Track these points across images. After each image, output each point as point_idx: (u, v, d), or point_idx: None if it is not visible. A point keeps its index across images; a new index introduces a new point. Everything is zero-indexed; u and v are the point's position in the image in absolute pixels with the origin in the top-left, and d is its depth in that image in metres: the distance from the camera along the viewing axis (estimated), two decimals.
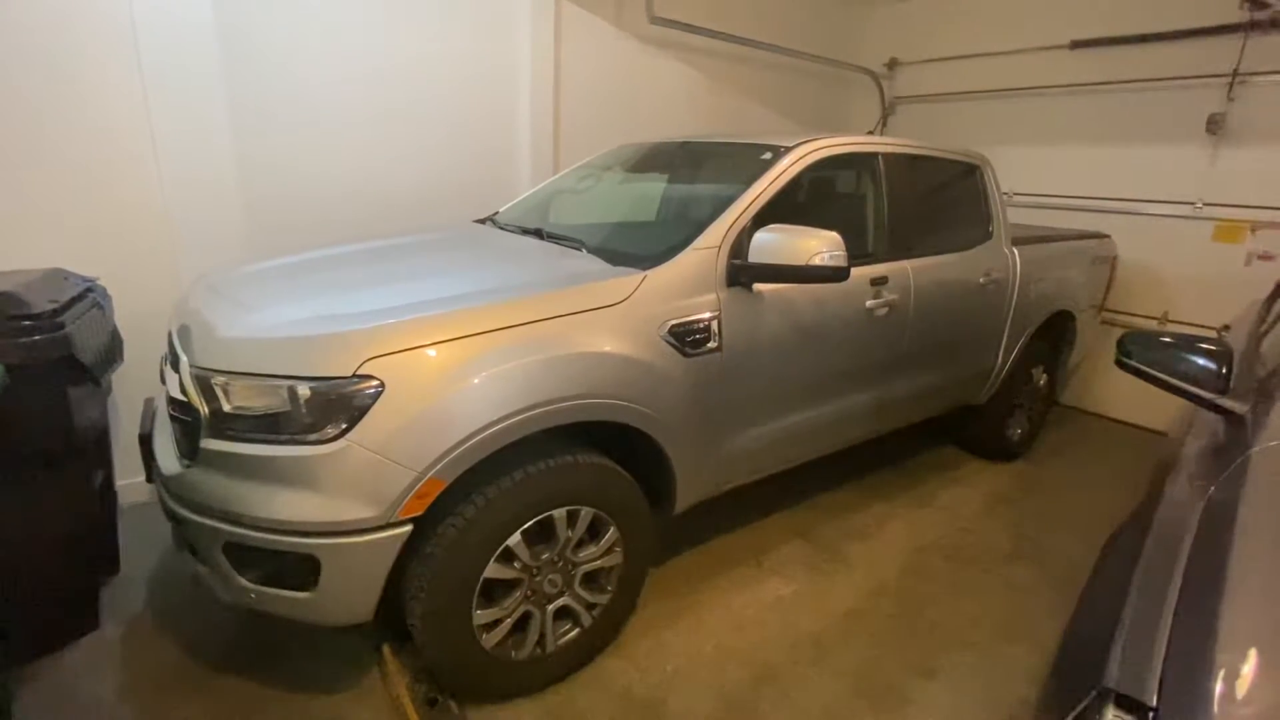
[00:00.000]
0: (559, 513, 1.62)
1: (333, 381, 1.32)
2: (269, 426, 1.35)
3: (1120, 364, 1.48)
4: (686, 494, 1.97)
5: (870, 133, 5.24)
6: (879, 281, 2.31)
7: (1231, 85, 3.60)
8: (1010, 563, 2.55)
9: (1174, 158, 3.89)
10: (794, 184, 2.10)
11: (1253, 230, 3.68)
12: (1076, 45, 4.18)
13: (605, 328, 1.62)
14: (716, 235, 1.89)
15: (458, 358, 1.41)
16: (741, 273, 1.88)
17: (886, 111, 5.23)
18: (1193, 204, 3.87)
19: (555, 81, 3.67)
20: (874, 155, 2.43)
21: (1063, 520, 2.90)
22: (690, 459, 1.89)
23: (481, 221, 2.70)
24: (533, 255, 2.08)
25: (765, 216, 1.97)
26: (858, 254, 2.30)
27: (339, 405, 1.32)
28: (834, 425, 2.39)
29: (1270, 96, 3.51)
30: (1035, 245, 3.19)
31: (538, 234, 2.25)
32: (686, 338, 1.77)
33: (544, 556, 1.65)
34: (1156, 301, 4.09)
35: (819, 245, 1.77)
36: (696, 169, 2.53)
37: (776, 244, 1.80)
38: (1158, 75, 3.85)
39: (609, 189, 2.69)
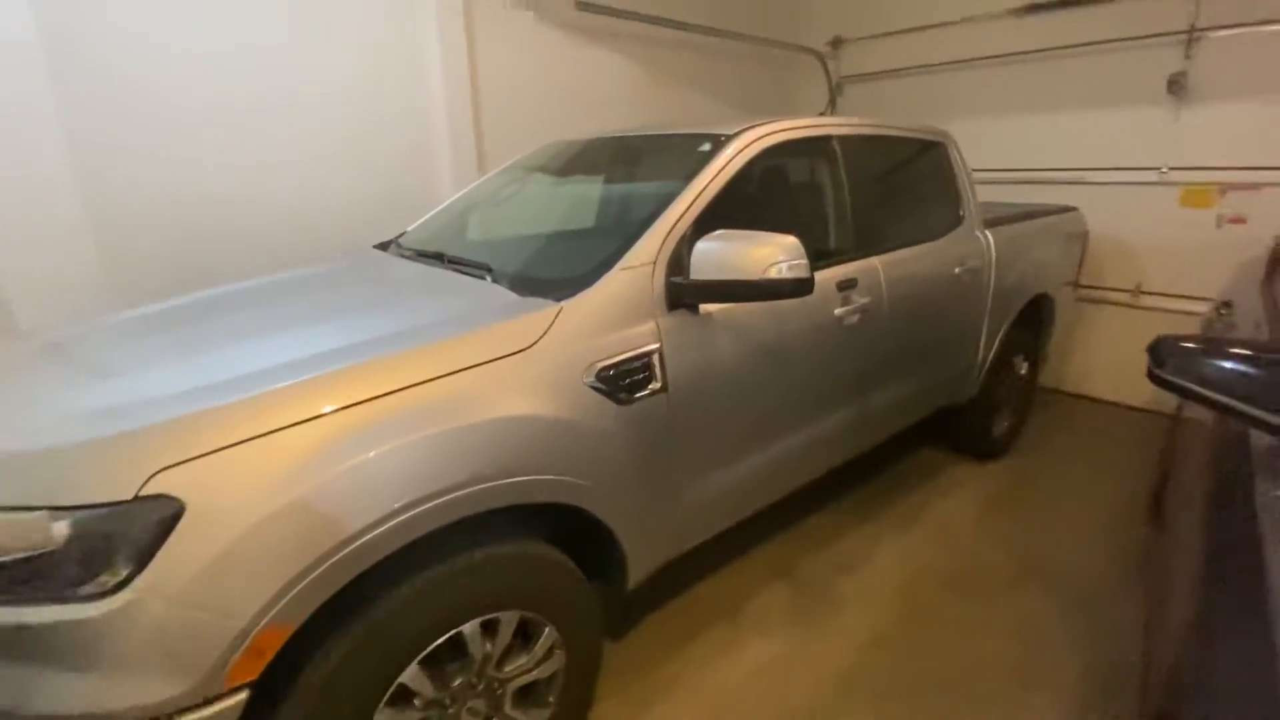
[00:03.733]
0: (469, 627, 1.25)
1: (105, 510, 0.93)
2: (20, 579, 0.95)
3: (1155, 378, 1.18)
4: (639, 565, 1.61)
5: (821, 115, 4.97)
6: (847, 285, 1.99)
7: (1189, 42, 3.41)
8: (1015, 588, 2.27)
9: (1136, 122, 3.70)
10: (740, 179, 1.76)
11: (1221, 192, 3.50)
12: (1027, 10, 3.96)
13: (509, 383, 1.25)
14: (650, 249, 1.54)
15: (296, 451, 1.03)
16: (684, 293, 1.53)
17: (834, 92, 4.96)
18: (1158, 169, 3.68)
19: (472, 78, 3.29)
20: (828, 139, 2.11)
21: (1063, 528, 2.63)
22: (640, 526, 1.54)
23: (384, 246, 2.30)
24: (425, 290, 1.69)
25: (708, 221, 1.63)
26: (820, 255, 1.99)
27: (117, 542, 0.93)
28: (809, 454, 2.07)
29: (1228, 51, 3.32)
30: (1007, 226, 2.92)
31: (439, 259, 1.87)
32: (621, 381, 1.41)
33: (458, 682, 1.28)
34: (1129, 273, 3.90)
35: (774, 253, 1.43)
36: (628, 167, 2.17)
37: (722, 255, 1.46)
38: (1113, 36, 3.64)
39: (530, 197, 2.31)
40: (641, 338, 1.46)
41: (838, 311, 1.95)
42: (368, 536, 1.05)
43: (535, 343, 1.31)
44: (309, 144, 2.78)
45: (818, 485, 2.72)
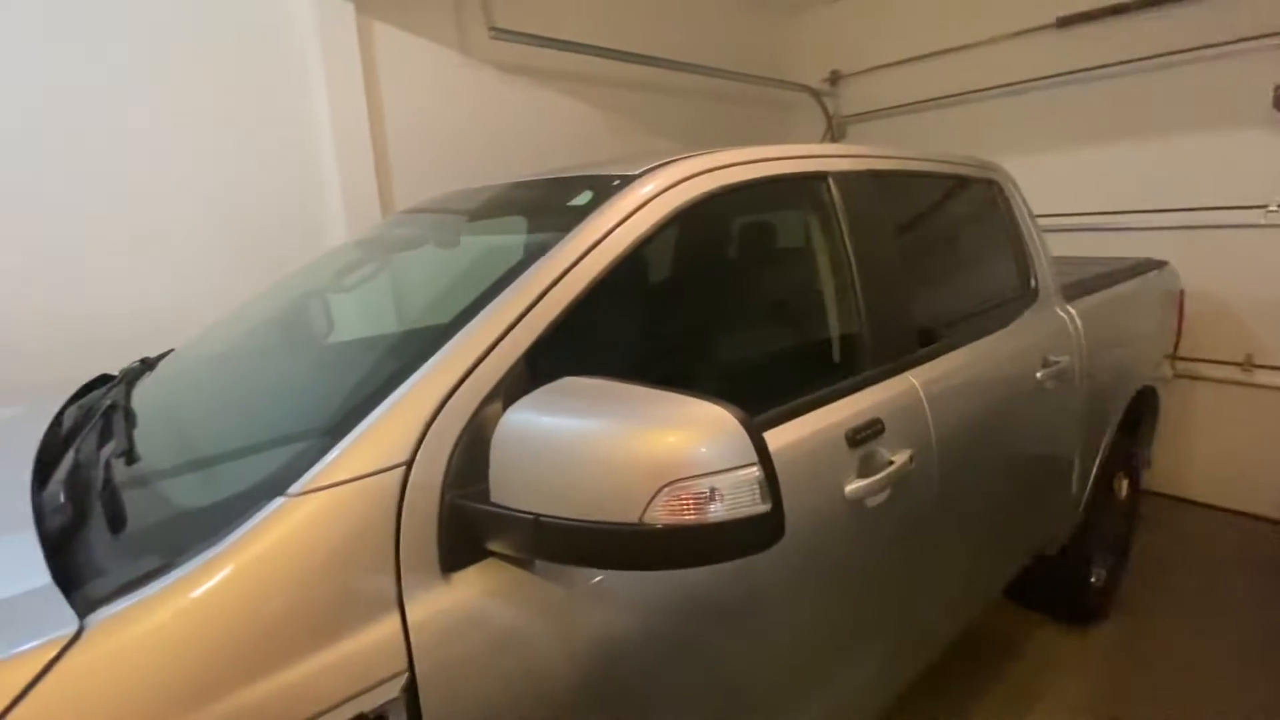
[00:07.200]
0: None
1: None
2: None
3: None
4: None
5: None
6: (867, 434, 1.09)
7: None
8: None
9: (1229, 149, 2.85)
10: (643, 258, 0.91)
11: None
12: (1064, 22, 3.20)
13: None
14: (395, 433, 0.65)
15: None
16: (481, 528, 0.65)
17: (835, 134, 4.21)
18: (1264, 207, 2.80)
19: (371, 130, 2.59)
20: (820, 179, 1.25)
21: None
22: None
23: (147, 365, 1.44)
24: None
25: (572, 345, 0.77)
26: (811, 380, 1.10)
27: None
28: None
29: None
30: (1092, 295, 2.03)
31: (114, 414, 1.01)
32: None
33: None
34: (1235, 341, 2.97)
35: (680, 450, 0.56)
36: (445, 250, 1.27)
37: (553, 453, 0.59)
38: (1187, 45, 2.84)
39: (300, 313, 1.36)
40: (345, 673, 0.57)
41: (851, 489, 1.04)
42: None
43: None
44: (153, 222, 2.06)
45: None
